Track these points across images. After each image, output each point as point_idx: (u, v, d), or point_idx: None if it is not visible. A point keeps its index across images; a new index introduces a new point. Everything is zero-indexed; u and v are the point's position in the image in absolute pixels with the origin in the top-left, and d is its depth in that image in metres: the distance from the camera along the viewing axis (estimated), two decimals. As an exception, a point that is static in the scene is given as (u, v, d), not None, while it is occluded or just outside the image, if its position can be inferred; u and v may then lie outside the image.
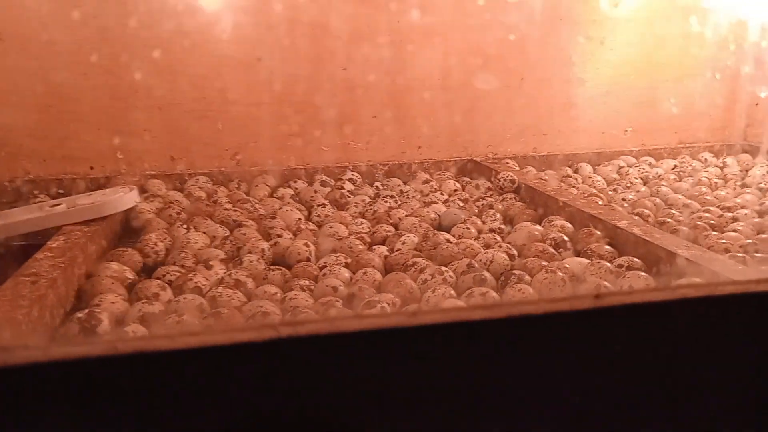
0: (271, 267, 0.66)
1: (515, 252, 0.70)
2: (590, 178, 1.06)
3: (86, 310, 0.53)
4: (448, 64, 1.10)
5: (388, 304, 0.57)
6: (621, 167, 1.13)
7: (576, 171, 1.12)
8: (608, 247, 0.69)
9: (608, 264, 0.63)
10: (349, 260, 0.69)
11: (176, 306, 0.57)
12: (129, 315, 0.55)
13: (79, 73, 0.96)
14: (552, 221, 0.78)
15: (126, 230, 0.82)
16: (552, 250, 0.70)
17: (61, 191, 0.99)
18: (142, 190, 0.96)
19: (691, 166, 1.14)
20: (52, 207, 0.73)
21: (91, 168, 1.01)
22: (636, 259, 0.65)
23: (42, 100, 0.96)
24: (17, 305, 0.49)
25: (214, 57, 1.00)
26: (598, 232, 0.73)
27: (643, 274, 0.60)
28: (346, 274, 0.66)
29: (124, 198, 0.73)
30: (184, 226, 0.77)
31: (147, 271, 0.69)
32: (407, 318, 0.23)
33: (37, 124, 0.97)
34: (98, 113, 0.99)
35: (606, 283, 0.59)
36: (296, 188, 0.98)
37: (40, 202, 0.91)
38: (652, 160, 1.18)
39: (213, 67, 1.01)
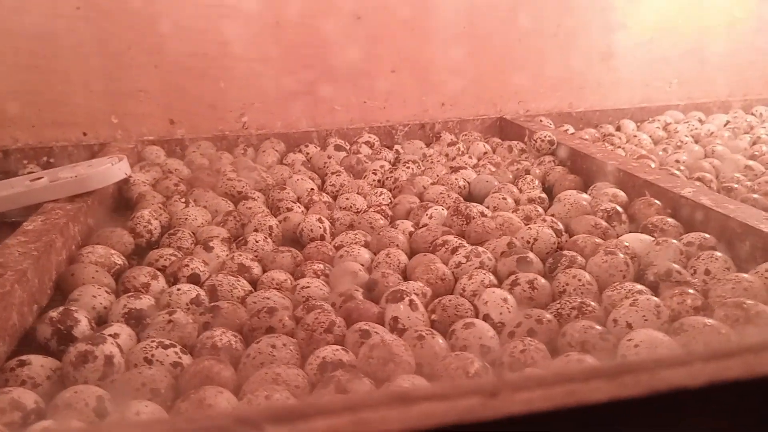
0: (280, 248, 0.58)
1: (561, 227, 0.60)
2: (635, 136, 0.94)
3: (60, 309, 0.45)
4: (474, 9, 0.98)
5: (417, 295, 0.48)
6: (668, 123, 1.01)
7: (618, 129, 1.01)
8: (672, 220, 0.59)
9: (676, 242, 0.53)
10: (368, 238, 0.60)
11: (168, 299, 0.48)
12: (113, 312, 0.46)
13: (64, 28, 0.86)
14: (601, 189, 0.68)
15: (119, 205, 0.73)
16: (605, 223, 0.60)
17: (52, 160, 0.91)
18: (139, 158, 0.87)
19: (745, 121, 1.02)
20: (32, 181, 0.64)
21: (84, 134, 0.92)
22: (707, 236, 0.55)
23: (25, 59, 0.86)
24: (-25, 306, 0.40)
25: (213, 6, 0.89)
26: (658, 202, 0.62)
27: (720, 255, 0.51)
28: (366, 255, 0.57)
29: (112, 170, 0.64)
30: (183, 199, 0.68)
31: (140, 253, 0.60)
32: (482, 403, 0.14)
33: (22, 86, 0.88)
34: (88, 73, 0.89)
35: (677, 267, 0.49)
36: (308, 153, 0.89)
37: (29, 173, 0.83)
38: (701, 115, 1.06)
39: (212, 18, 0.90)
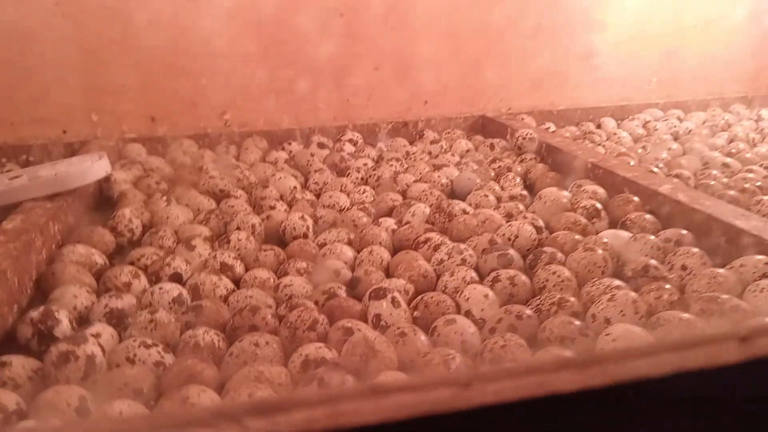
0: (263, 247, 0.58)
1: (542, 223, 0.61)
2: (615, 134, 0.96)
3: (41, 308, 0.44)
4: (456, 7, 0.99)
5: (400, 292, 0.48)
6: (647, 122, 1.03)
7: (598, 126, 1.02)
8: (650, 216, 0.60)
9: (653, 238, 0.54)
10: (352, 236, 0.61)
11: (150, 299, 0.48)
12: (94, 312, 0.46)
13: (42, 24, 0.85)
14: (581, 186, 0.69)
15: (100, 203, 0.72)
16: (584, 220, 0.61)
17: (31, 159, 0.90)
18: (120, 156, 0.86)
19: (723, 119, 1.04)
20: (11, 180, 0.63)
21: (64, 132, 0.91)
22: (684, 231, 0.56)
23: (1, 55, 0.85)
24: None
25: (194, 2, 0.89)
26: (636, 199, 0.64)
27: (697, 250, 0.52)
28: (349, 253, 0.57)
29: (92, 168, 0.64)
30: (165, 198, 0.68)
31: (121, 252, 0.60)
32: (456, 393, 0.15)
33: (-1, 83, 0.87)
34: (67, 69, 0.88)
35: (654, 262, 0.50)
36: (291, 151, 0.89)
37: (8, 171, 0.82)
38: (680, 113, 1.08)
39: (193, 14, 0.89)
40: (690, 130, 0.98)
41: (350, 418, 0.14)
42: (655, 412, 0.16)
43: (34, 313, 0.44)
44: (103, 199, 0.73)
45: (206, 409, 0.14)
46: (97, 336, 0.42)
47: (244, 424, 0.14)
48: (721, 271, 0.48)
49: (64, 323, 0.44)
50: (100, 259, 0.55)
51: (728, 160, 0.82)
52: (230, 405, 0.14)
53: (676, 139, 0.95)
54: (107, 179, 0.71)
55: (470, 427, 0.15)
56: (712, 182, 0.71)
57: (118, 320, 0.45)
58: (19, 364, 0.39)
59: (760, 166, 0.80)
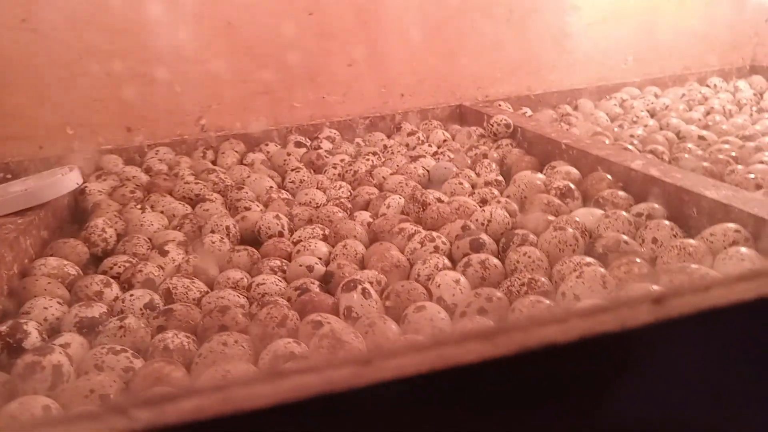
0: (236, 247, 0.57)
1: (516, 207, 0.61)
2: (592, 115, 0.96)
3: (10, 322, 0.44)
4: (426, -1, 0.99)
5: (371, 283, 0.48)
6: (624, 100, 1.03)
7: (576, 108, 1.02)
8: (622, 192, 0.60)
9: (625, 214, 0.54)
10: (327, 231, 0.61)
11: (122, 306, 0.48)
12: (64, 322, 0.46)
13: (10, 41, 0.84)
14: (555, 168, 0.69)
15: (76, 215, 0.72)
16: (558, 201, 0.61)
17: (8, 176, 0.89)
18: (97, 168, 0.86)
19: (700, 93, 1.04)
20: (-18, 197, 0.63)
21: (40, 147, 0.91)
22: (656, 205, 0.56)
23: (-29, 74, 0.85)
24: None
25: (162, 9, 0.88)
26: (609, 177, 0.63)
27: (667, 223, 0.52)
28: (323, 248, 0.57)
29: (62, 180, 0.64)
30: (139, 206, 0.67)
31: (96, 262, 0.60)
32: (355, 371, 0.14)
33: (-29, 102, 0.86)
34: (40, 85, 0.88)
35: (625, 237, 0.50)
36: (268, 152, 0.88)
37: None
38: (657, 90, 1.08)
39: (162, 21, 0.89)
40: (667, 106, 0.98)
41: (244, 402, 0.14)
42: (566, 379, 0.16)
43: (2, 327, 0.43)
44: (78, 211, 0.72)
45: (100, 405, 0.14)
46: (65, 346, 0.42)
47: (131, 415, 0.13)
48: (691, 241, 0.48)
49: (33, 335, 0.44)
50: (72, 270, 0.55)
51: (704, 132, 0.82)
52: (121, 399, 0.14)
53: (653, 115, 0.95)
54: (82, 191, 0.71)
55: (371, 404, 0.15)
56: (686, 155, 0.71)
57: (88, 329, 0.45)
58: (-13, 378, 0.39)
59: (736, 136, 0.79)
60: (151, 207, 0.68)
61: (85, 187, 0.70)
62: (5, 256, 0.52)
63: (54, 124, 0.90)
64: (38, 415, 0.34)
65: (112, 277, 0.53)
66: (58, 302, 0.49)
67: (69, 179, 0.64)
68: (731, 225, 0.49)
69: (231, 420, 0.14)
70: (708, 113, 0.93)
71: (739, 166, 0.66)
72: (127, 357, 0.41)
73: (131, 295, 0.48)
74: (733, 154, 0.71)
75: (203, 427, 0.14)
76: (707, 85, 1.10)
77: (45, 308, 0.47)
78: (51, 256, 0.57)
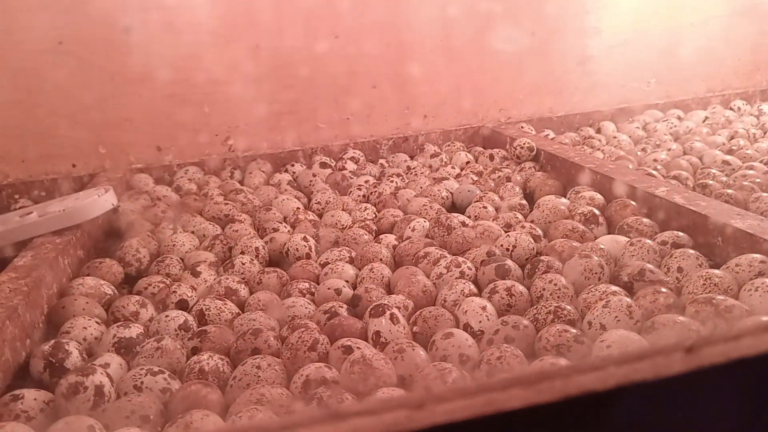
0: (266, 269, 0.59)
1: (540, 232, 0.62)
2: (614, 137, 0.96)
3: (52, 342, 0.46)
4: (449, 21, 1.00)
5: (399, 308, 0.49)
6: (647, 123, 1.03)
7: (598, 131, 1.03)
8: (647, 220, 0.60)
9: (650, 242, 0.55)
10: (353, 254, 0.62)
11: (157, 326, 0.49)
12: (103, 342, 0.48)
13: (47, 63, 0.88)
14: (579, 192, 0.70)
15: (110, 234, 0.74)
16: (582, 227, 0.61)
17: (43, 194, 0.93)
18: (128, 187, 0.88)
19: (723, 116, 1.04)
20: (22, 217, 0.65)
21: (74, 166, 0.94)
22: (681, 234, 0.56)
23: (9, 94, 0.88)
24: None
25: (192, 33, 0.91)
26: (634, 203, 0.64)
27: (692, 252, 0.52)
28: (350, 271, 0.58)
29: (99, 201, 0.66)
30: (171, 226, 0.69)
31: (130, 281, 0.62)
32: (408, 415, 0.15)
33: (8, 122, 0.90)
34: (74, 105, 0.91)
35: (650, 266, 0.51)
36: (294, 172, 0.90)
37: (20, 208, 0.85)
38: (680, 112, 1.08)
39: (192, 44, 0.91)
40: (690, 129, 0.98)
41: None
42: (605, 426, 0.17)
43: (45, 347, 0.45)
44: (112, 231, 0.74)
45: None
46: (105, 366, 0.43)
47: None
48: (716, 271, 0.48)
49: (74, 355, 0.45)
50: (109, 289, 0.57)
51: (728, 157, 0.82)
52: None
53: (676, 139, 0.95)
54: (115, 210, 0.73)
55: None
56: (711, 181, 0.71)
57: (126, 350, 0.47)
58: (32, 397, 0.41)
59: (761, 162, 0.80)
60: (182, 227, 0.70)
61: (118, 206, 0.72)
62: (45, 275, 0.54)
63: (86, 143, 0.93)
64: (83, 435, 0.36)
65: (147, 297, 0.54)
66: (96, 322, 0.50)
67: (105, 200, 0.66)
68: (757, 256, 0.49)
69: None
70: (732, 137, 0.93)
71: (764, 194, 0.66)
72: (164, 378, 0.42)
73: (166, 316, 0.50)
74: (758, 180, 0.71)
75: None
76: (731, 108, 1.10)
77: (84, 328, 0.49)
78: (88, 275, 0.59)
